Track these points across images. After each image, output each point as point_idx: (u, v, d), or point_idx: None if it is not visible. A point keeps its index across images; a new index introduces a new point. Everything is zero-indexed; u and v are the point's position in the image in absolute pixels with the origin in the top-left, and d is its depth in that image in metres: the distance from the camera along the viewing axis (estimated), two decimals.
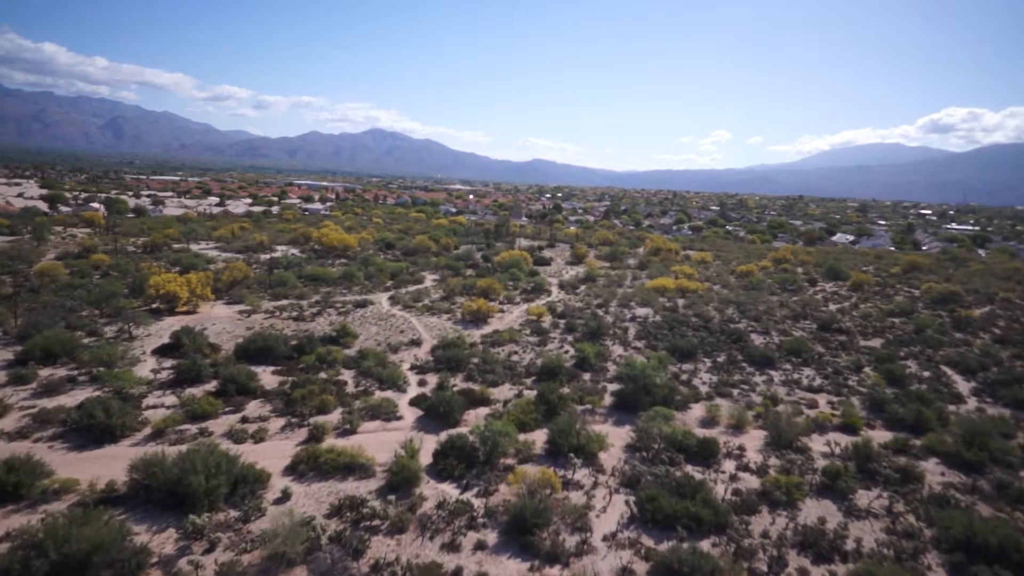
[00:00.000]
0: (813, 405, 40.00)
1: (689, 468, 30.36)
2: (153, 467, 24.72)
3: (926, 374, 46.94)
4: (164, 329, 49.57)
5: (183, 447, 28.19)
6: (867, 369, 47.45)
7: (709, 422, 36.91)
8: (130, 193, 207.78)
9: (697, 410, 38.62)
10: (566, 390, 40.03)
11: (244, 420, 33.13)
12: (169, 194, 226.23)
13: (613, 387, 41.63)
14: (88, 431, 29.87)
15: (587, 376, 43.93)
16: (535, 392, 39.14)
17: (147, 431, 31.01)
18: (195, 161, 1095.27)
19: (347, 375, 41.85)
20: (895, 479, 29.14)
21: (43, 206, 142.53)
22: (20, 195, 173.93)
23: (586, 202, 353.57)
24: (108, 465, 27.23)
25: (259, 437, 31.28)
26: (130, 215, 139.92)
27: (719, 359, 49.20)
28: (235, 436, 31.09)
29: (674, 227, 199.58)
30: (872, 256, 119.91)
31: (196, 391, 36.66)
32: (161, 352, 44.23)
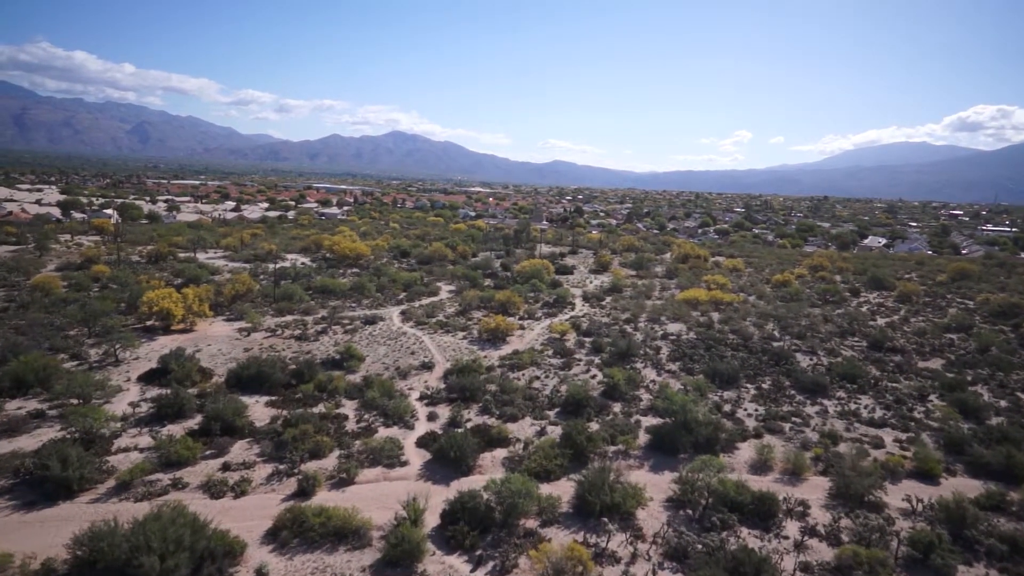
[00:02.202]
0: (879, 444, 34.83)
1: (745, 532, 25.52)
2: (101, 541, 20.46)
3: (1002, 403, 41.47)
4: (155, 351, 45.67)
5: (150, 504, 24.02)
6: (933, 398, 42.10)
7: (761, 466, 31.98)
8: (146, 198, 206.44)
9: (745, 451, 33.66)
10: (595, 425, 35.40)
11: (225, 467, 28.83)
12: (186, 199, 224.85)
13: (648, 421, 36.89)
14: (43, 483, 25.76)
15: (617, 407, 39.17)
16: (559, 429, 34.56)
17: (111, 483, 26.81)
18: (218, 165, 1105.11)
19: (349, 406, 37.54)
20: (1001, 551, 23.97)
21: (57, 213, 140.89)
22: (38, 201, 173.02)
23: (607, 204, 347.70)
24: (56, 531, 23.07)
25: (241, 490, 26.97)
26: (143, 221, 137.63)
27: (764, 385, 44.16)
28: (213, 488, 26.83)
29: (699, 231, 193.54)
30: (913, 262, 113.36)
31: (177, 428, 32.56)
32: (147, 378, 40.27)
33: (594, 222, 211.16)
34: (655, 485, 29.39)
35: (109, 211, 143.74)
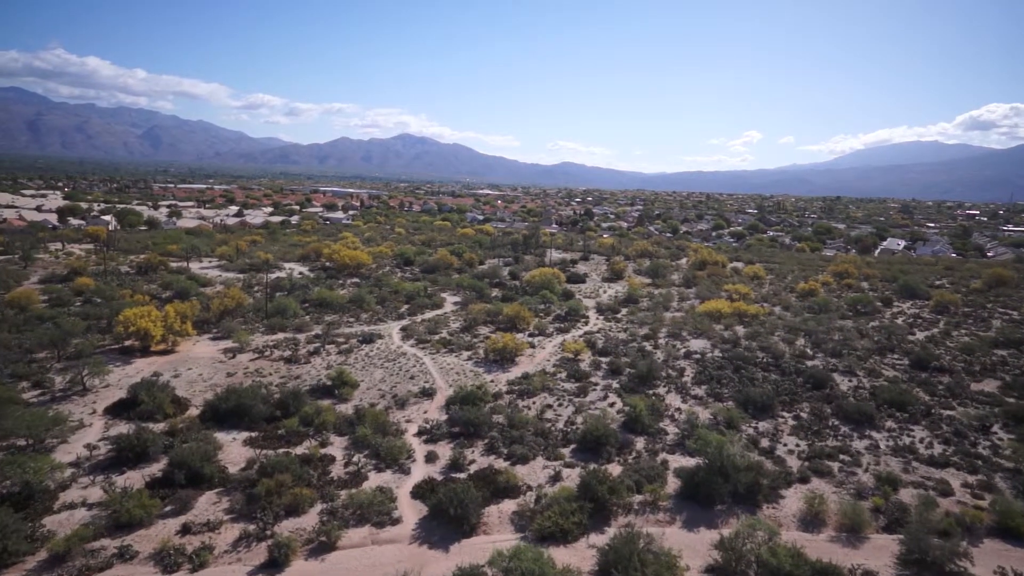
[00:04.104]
0: (946, 491, 30.08)
1: None
2: None
3: None
4: (129, 376, 41.67)
5: None
6: (998, 429, 37.28)
7: (812, 520, 27.44)
8: (148, 204, 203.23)
9: (792, 500, 29.05)
10: (616, 468, 31.01)
11: (185, 529, 24.57)
12: (190, 204, 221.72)
13: (676, 460, 32.50)
14: None
15: (640, 442, 34.78)
16: (576, 472, 30.24)
17: (43, 555, 22.56)
18: (228, 168, 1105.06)
19: (337, 444, 33.28)
20: None
21: (54, 220, 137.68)
22: (38, 208, 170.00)
23: (617, 206, 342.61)
24: None
25: (200, 561, 22.73)
26: (142, 228, 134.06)
27: (802, 413, 39.52)
28: (166, 560, 22.61)
29: (713, 233, 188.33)
30: (941, 267, 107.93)
31: (137, 476, 28.38)
32: (115, 411, 36.15)
33: (605, 225, 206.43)
34: (691, 548, 24.92)
35: (107, 218, 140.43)
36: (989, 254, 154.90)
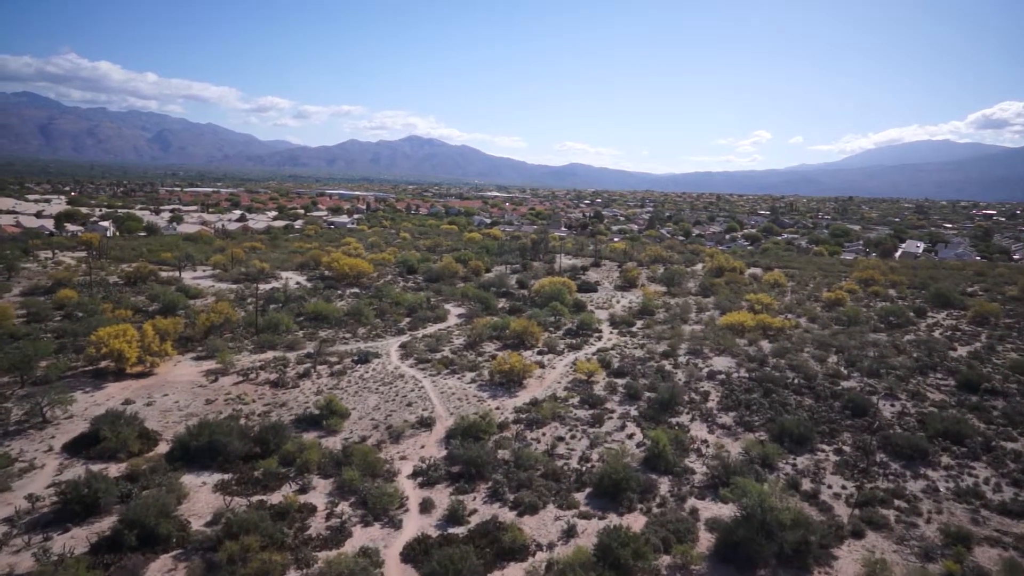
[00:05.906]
0: None
1: None
2: None
3: None
4: (98, 403, 37.81)
5: None
6: None
7: None
8: (151, 208, 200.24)
9: (846, 562, 24.80)
10: (639, 519, 26.90)
11: None
12: (194, 208, 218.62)
13: (707, 508, 28.35)
14: None
15: (665, 484, 30.63)
16: (592, 526, 26.26)
17: None
18: (237, 171, 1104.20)
19: (320, 489, 29.24)
20: None
21: (51, 226, 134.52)
22: (38, 213, 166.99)
23: (627, 208, 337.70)
24: None
25: None
26: (141, 233, 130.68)
27: (844, 446, 35.22)
28: None
29: (727, 236, 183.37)
30: (970, 272, 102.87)
31: (82, 535, 24.42)
32: (74, 447, 32.29)
33: (615, 228, 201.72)
34: None
35: (104, 224, 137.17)
36: (1016, 257, 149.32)
